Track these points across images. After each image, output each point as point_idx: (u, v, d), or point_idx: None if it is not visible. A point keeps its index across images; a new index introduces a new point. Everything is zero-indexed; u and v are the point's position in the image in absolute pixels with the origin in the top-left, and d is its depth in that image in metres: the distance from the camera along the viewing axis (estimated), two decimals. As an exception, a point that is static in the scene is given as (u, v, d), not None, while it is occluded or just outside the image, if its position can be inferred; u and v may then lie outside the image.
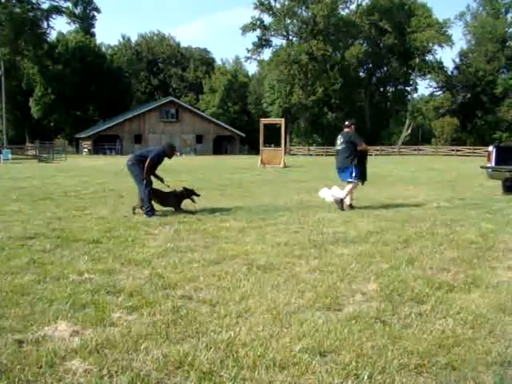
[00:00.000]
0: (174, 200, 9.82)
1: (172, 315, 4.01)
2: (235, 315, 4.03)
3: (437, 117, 74.10)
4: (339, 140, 10.74)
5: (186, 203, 9.99)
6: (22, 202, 11.26)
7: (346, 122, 10.99)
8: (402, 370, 3.14)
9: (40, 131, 70.39)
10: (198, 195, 10.21)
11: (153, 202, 9.49)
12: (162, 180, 9.90)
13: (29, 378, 3.02)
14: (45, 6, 69.49)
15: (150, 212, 9.25)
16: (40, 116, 70.91)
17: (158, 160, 9.66)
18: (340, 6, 72.76)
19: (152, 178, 9.70)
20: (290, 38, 74.37)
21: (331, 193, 11.70)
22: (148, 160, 9.40)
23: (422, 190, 14.30)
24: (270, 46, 75.55)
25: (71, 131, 70.59)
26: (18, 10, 65.91)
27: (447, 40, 69.65)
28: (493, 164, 13.68)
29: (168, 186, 9.96)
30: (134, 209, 9.60)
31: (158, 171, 9.85)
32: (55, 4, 70.53)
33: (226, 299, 4.42)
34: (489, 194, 13.31)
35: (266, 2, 71.60)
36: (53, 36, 75.29)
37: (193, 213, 9.61)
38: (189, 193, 9.98)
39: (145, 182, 9.38)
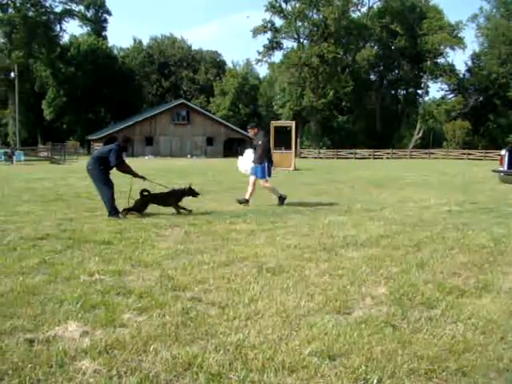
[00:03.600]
0: (175, 198, 9.90)
1: (181, 317, 4.02)
2: (244, 317, 4.03)
3: (448, 120, 73.69)
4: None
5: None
6: (33, 203, 11.34)
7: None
8: (411, 375, 3.12)
9: (52, 133, 70.98)
10: (199, 194, 10.44)
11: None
12: (143, 178, 9.90)
13: (39, 377, 3.04)
14: (58, 9, 70.34)
15: (114, 213, 9.34)
16: (52, 118, 71.50)
17: (120, 159, 9.71)
18: (351, 9, 72.78)
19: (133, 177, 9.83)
20: (301, 40, 74.34)
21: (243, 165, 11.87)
22: (117, 164, 9.56)
23: (433, 194, 14.22)
24: (281, 48, 75.57)
25: (83, 133, 71.10)
26: (31, 13, 66.65)
27: (459, 42, 69.26)
28: (505, 168, 13.55)
29: (165, 187, 10.22)
30: (125, 212, 9.59)
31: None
32: (68, 7, 71.27)
33: (236, 301, 4.42)
34: (501, 199, 13.21)
35: (277, 5, 71.62)
36: (65, 39, 76.13)
37: (190, 211, 9.79)
38: (191, 192, 10.13)
39: (107, 184, 9.52)
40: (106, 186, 9.51)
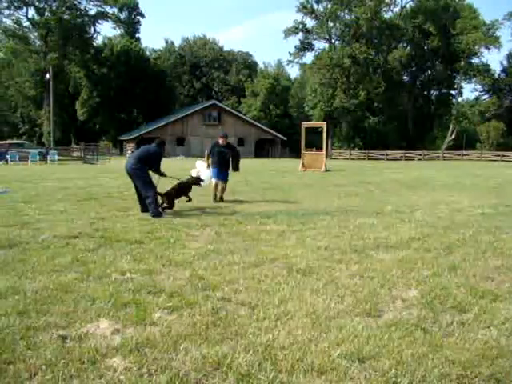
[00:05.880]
0: (189, 188, 10.98)
1: (211, 316, 4.04)
2: (274, 318, 4.03)
3: (482, 121, 72.23)
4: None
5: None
6: (66, 202, 11.54)
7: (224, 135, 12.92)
8: (442, 380, 3.08)
9: (85, 133, 72.11)
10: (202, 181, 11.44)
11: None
12: (164, 175, 10.28)
13: (72, 373, 3.10)
14: (92, 12, 71.61)
15: (158, 213, 9.47)
16: (85, 118, 72.62)
17: (160, 160, 10.10)
18: (383, 9, 71.98)
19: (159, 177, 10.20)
20: (333, 41, 73.92)
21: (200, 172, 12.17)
22: (158, 166, 9.95)
23: (466, 196, 13.99)
24: (313, 49, 75.27)
25: (115, 133, 72.01)
26: (66, 16, 67.98)
27: (494, 42, 67.54)
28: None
29: (178, 179, 10.91)
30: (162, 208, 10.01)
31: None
32: (102, 10, 72.48)
33: (266, 302, 4.43)
34: (536, 201, 12.90)
35: (309, 6, 71.41)
36: (99, 40, 77.43)
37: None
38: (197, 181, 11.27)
39: (152, 184, 9.70)
40: (150, 185, 9.65)
